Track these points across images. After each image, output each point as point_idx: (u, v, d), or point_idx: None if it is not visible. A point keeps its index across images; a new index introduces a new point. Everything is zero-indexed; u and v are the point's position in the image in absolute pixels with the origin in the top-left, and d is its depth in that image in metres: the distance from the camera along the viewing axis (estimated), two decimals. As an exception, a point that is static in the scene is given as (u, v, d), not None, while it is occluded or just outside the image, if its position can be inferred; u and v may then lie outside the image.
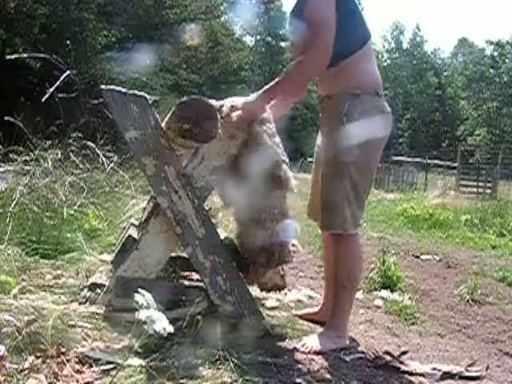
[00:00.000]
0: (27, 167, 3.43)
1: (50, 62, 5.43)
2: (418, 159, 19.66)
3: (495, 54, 41.00)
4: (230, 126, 1.97)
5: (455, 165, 15.95)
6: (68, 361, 1.55)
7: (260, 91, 2.04)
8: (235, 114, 1.98)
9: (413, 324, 2.56)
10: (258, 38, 45.56)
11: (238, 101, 2.06)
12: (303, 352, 1.94)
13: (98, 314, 1.94)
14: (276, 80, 2.05)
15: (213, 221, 2.10)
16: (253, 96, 2.05)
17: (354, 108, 2.02)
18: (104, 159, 3.96)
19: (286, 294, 2.75)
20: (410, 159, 20.57)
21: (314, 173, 2.27)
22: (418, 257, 4.37)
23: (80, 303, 2.05)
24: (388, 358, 1.97)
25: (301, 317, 2.38)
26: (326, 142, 2.16)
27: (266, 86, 2.05)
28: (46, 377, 1.45)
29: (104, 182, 3.95)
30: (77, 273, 2.45)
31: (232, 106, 2.02)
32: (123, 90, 1.94)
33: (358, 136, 1.98)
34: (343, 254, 2.11)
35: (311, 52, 2.01)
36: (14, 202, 2.89)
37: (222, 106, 2.04)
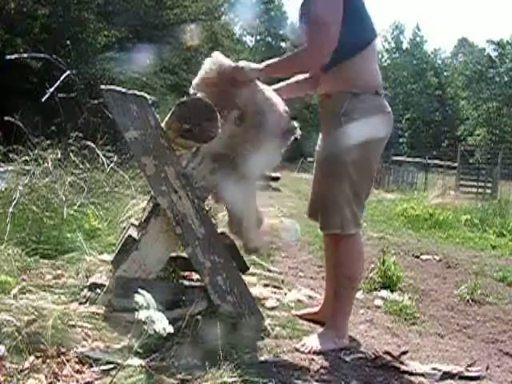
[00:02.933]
0: (27, 167, 3.43)
1: (50, 62, 5.44)
2: (418, 159, 19.66)
3: (495, 53, 40.99)
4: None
5: (455, 165, 15.94)
6: (68, 361, 1.55)
7: (262, 64, 2.03)
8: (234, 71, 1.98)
9: (413, 324, 2.56)
10: (258, 38, 45.55)
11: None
12: (303, 352, 1.94)
13: (98, 313, 1.94)
14: (275, 60, 2.06)
15: (213, 221, 2.10)
16: (254, 65, 2.03)
17: (353, 107, 2.01)
18: (104, 159, 3.95)
19: (286, 294, 2.75)
20: (410, 159, 20.58)
21: (315, 173, 2.26)
22: (418, 257, 4.37)
23: (80, 303, 2.05)
24: (388, 357, 1.97)
25: (301, 317, 2.38)
26: (324, 141, 2.16)
27: (269, 61, 2.05)
28: (45, 377, 1.45)
29: (104, 182, 3.95)
30: (77, 273, 2.45)
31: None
32: (123, 90, 1.94)
33: (357, 136, 1.98)
34: (344, 253, 2.11)
35: (313, 44, 1.99)
36: (14, 202, 2.89)
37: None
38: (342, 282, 2.11)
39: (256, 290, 2.59)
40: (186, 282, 2.36)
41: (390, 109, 2.14)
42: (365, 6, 2.11)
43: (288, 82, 2.28)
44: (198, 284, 2.14)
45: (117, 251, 2.22)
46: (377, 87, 2.09)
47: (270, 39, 44.77)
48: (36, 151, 3.55)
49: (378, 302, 2.84)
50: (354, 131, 1.98)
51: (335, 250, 2.15)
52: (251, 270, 2.50)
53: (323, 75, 2.13)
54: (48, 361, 1.52)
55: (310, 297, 2.78)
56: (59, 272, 2.47)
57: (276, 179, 11.25)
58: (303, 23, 2.13)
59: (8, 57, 5.58)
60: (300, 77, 2.26)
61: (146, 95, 1.96)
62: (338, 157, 2.03)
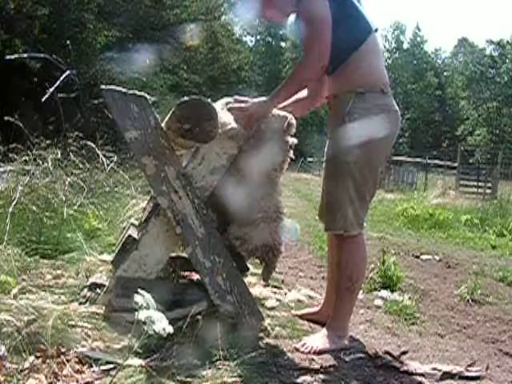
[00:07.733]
0: (27, 167, 3.43)
1: (49, 62, 5.43)
2: (418, 159, 19.64)
3: (495, 54, 41.00)
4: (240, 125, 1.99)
5: (455, 165, 15.95)
6: (68, 361, 1.55)
7: (269, 96, 2.05)
8: (244, 115, 2.00)
9: (413, 324, 2.56)
10: (258, 38, 45.57)
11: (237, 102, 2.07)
12: (303, 352, 1.94)
13: (97, 313, 1.94)
14: (279, 86, 2.06)
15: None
16: (261, 99, 2.05)
17: (356, 107, 2.00)
18: (104, 159, 3.96)
19: (286, 294, 2.75)
20: (410, 159, 20.54)
21: (323, 174, 2.25)
22: (418, 257, 4.37)
23: (80, 303, 2.05)
24: (388, 357, 1.97)
25: (301, 317, 2.38)
26: (329, 141, 2.16)
27: (273, 92, 2.06)
28: (45, 377, 1.45)
29: (104, 182, 3.96)
30: (77, 273, 2.45)
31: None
32: (123, 89, 1.94)
33: (359, 136, 1.96)
34: (346, 254, 2.10)
35: (308, 55, 2.00)
36: (14, 202, 2.89)
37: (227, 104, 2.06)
38: (343, 282, 2.10)
39: (256, 290, 2.59)
40: (186, 282, 2.36)
41: (396, 107, 2.11)
42: (353, 2, 2.09)
43: (287, 102, 2.22)
44: (197, 284, 2.14)
45: (117, 251, 2.22)
46: (382, 86, 2.06)
47: (270, 39, 44.78)
48: (36, 151, 3.56)
49: (378, 301, 2.84)
50: (356, 131, 1.97)
51: (338, 251, 2.15)
52: (251, 269, 2.50)
53: (329, 78, 2.13)
54: (48, 361, 1.52)
55: (310, 297, 2.78)
56: (59, 272, 2.47)
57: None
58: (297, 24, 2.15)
59: (8, 57, 5.58)
60: (299, 95, 2.25)
61: (146, 95, 1.96)
62: (340, 157, 2.02)
